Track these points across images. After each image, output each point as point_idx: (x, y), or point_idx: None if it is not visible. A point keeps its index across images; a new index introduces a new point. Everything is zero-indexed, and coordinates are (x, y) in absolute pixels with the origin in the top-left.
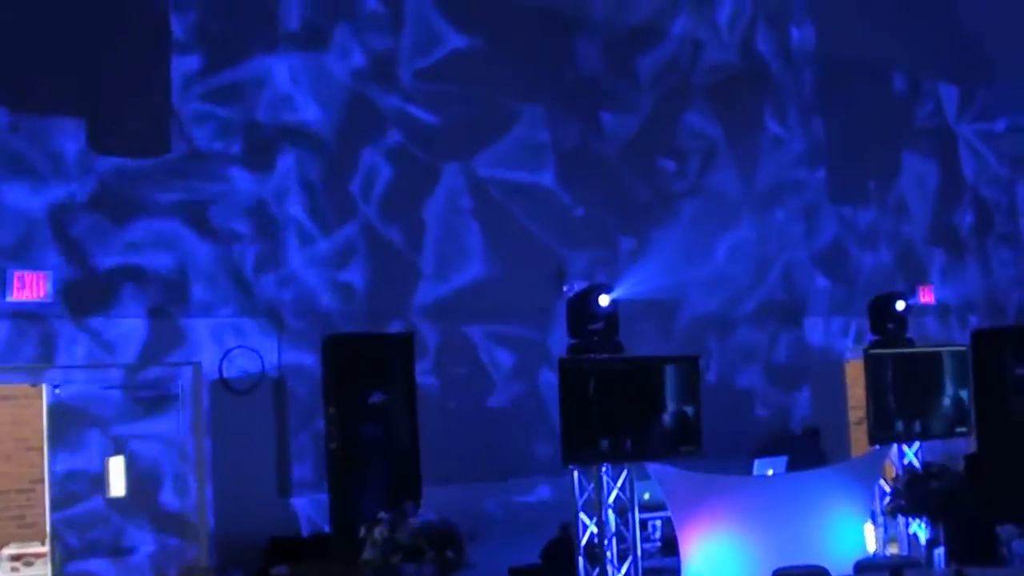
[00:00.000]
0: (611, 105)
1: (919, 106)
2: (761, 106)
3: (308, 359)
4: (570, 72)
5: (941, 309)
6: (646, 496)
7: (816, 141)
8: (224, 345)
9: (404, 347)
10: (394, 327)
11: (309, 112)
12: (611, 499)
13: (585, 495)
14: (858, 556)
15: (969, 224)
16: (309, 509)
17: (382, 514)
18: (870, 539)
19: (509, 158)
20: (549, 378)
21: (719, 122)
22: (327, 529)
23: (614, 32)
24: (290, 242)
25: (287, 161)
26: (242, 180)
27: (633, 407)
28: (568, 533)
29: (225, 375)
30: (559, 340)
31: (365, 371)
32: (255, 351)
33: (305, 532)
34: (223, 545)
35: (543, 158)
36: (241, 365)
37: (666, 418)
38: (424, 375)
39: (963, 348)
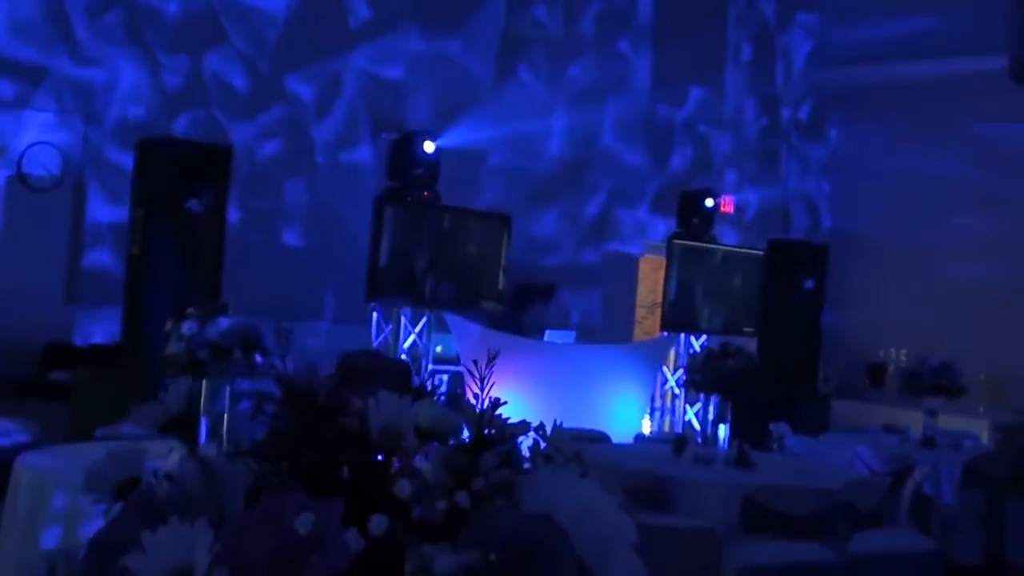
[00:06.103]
0: None
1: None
2: None
3: (120, 161)
4: None
5: (738, 217)
6: (438, 349)
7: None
8: (26, 139)
9: (223, 160)
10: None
11: None
12: (407, 344)
13: (381, 337)
14: (636, 432)
15: (769, 138)
16: (96, 320)
17: (191, 309)
18: (646, 426)
19: None
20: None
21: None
22: (113, 340)
23: None
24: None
25: None
26: None
27: (442, 256)
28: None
29: (25, 170)
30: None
31: (179, 178)
32: (58, 147)
33: (89, 342)
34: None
35: None
36: (43, 162)
37: (471, 271)
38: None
39: (760, 252)
